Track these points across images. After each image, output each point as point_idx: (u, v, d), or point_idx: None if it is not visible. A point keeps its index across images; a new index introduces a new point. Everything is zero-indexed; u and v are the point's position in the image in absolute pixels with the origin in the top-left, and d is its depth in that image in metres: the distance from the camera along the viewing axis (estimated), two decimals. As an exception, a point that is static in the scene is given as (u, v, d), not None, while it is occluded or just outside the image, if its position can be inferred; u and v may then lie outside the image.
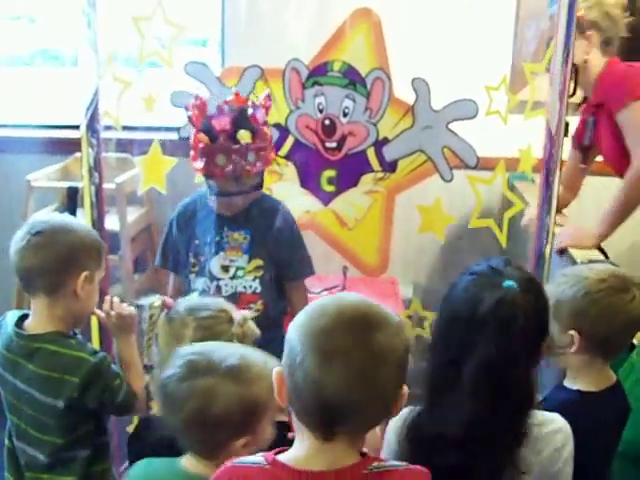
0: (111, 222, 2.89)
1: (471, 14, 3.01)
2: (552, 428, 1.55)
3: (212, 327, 1.72)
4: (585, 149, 2.82)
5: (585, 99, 2.75)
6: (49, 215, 1.88)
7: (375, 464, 1.26)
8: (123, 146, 2.81)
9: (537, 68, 2.30)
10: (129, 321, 1.92)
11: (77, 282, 1.79)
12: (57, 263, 1.79)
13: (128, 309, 1.93)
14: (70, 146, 3.26)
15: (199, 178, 2.51)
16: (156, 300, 1.75)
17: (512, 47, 3.24)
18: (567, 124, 2.26)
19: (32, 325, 1.84)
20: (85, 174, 2.37)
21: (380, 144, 2.56)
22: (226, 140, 2.18)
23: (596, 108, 2.68)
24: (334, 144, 2.58)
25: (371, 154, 2.57)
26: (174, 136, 2.59)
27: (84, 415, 1.83)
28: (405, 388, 1.28)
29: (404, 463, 1.32)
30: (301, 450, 1.26)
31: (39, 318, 1.84)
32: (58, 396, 1.77)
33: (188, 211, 2.40)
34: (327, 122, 2.56)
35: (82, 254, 1.81)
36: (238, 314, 1.77)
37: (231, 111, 2.21)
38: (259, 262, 2.34)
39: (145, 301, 1.77)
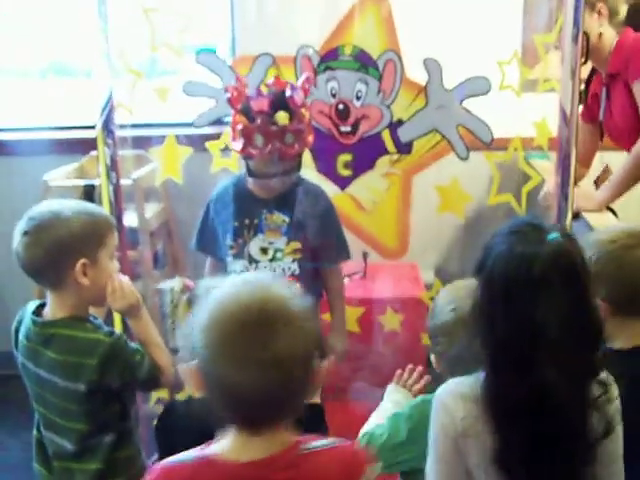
0: (129, 218, 2.90)
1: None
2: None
3: None
4: (600, 123, 2.80)
5: (592, 73, 2.74)
6: (39, 208, 1.83)
7: (304, 445, 1.27)
8: (138, 143, 2.82)
9: (548, 39, 2.30)
10: (133, 303, 1.88)
11: (76, 272, 1.78)
12: (47, 260, 1.77)
13: (130, 293, 1.88)
14: (84, 146, 3.27)
15: (215, 168, 2.54)
16: (177, 284, 1.74)
17: (522, 24, 3.23)
18: (580, 94, 2.25)
19: (48, 313, 1.85)
20: (103, 173, 2.37)
21: (395, 126, 2.55)
22: (264, 121, 2.19)
23: (610, 78, 2.66)
24: (349, 128, 2.57)
25: (386, 136, 2.57)
26: (188, 131, 2.59)
27: (107, 398, 1.82)
28: (321, 366, 1.27)
29: (333, 440, 1.32)
30: (228, 443, 1.25)
31: (54, 306, 1.85)
32: (78, 380, 1.77)
33: (226, 193, 2.40)
34: (341, 106, 2.55)
35: (71, 245, 1.78)
36: None
37: (269, 93, 2.24)
38: (297, 245, 2.36)
39: (166, 285, 1.76)
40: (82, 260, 1.78)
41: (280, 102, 2.21)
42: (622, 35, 2.61)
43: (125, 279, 1.89)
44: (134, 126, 2.47)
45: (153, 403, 2.56)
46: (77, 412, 1.82)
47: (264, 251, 2.36)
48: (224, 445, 1.26)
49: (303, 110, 2.27)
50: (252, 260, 2.36)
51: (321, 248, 2.41)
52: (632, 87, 2.53)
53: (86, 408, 1.81)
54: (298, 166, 2.32)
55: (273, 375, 1.17)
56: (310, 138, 2.31)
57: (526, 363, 1.39)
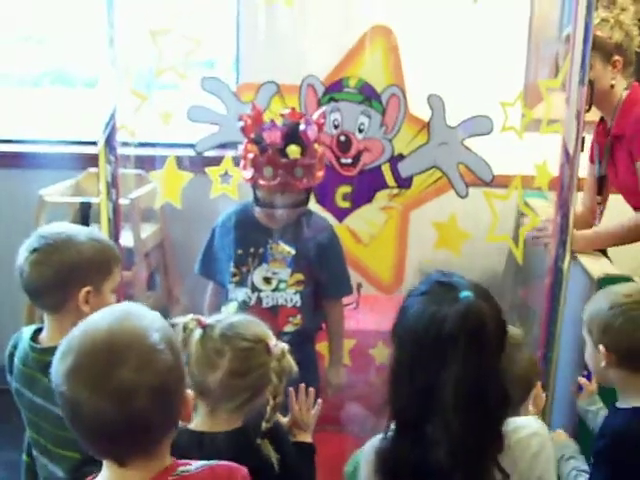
0: (125, 238, 2.89)
1: (485, 31, 3.02)
2: (526, 433, 1.48)
3: (249, 359, 1.67)
4: (600, 178, 2.77)
5: (602, 119, 2.73)
6: (51, 228, 1.82)
7: (180, 469, 1.26)
8: (139, 162, 2.81)
9: (552, 84, 2.31)
10: None
11: (79, 299, 1.76)
12: (55, 281, 1.75)
13: None
14: (83, 162, 3.27)
15: (214, 193, 2.53)
16: (190, 321, 1.72)
17: (525, 64, 3.25)
18: (583, 139, 2.26)
19: (46, 338, 1.82)
20: (103, 190, 2.37)
21: (395, 160, 2.56)
22: (275, 153, 2.20)
23: (615, 138, 2.65)
24: (349, 160, 2.58)
25: (386, 170, 2.57)
26: (190, 152, 2.59)
27: None
28: (188, 393, 1.29)
29: (211, 462, 1.31)
30: (103, 477, 1.26)
31: (52, 331, 1.81)
32: None
33: (232, 220, 2.40)
34: (342, 138, 2.56)
35: (81, 270, 1.77)
36: (276, 346, 1.71)
37: (283, 125, 2.24)
38: (300, 277, 2.36)
39: (180, 320, 1.74)
40: (87, 288, 1.77)
41: (293, 135, 2.22)
42: (630, 93, 2.61)
43: None
44: (137, 145, 2.47)
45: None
46: (71, 440, 1.77)
47: (267, 281, 2.36)
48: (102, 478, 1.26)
49: (316, 145, 2.28)
50: (255, 289, 2.35)
51: (324, 281, 2.41)
52: (635, 165, 2.53)
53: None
54: (306, 200, 2.34)
55: (113, 405, 1.16)
56: (320, 174, 2.32)
57: (419, 431, 1.38)
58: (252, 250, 2.35)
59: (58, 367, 1.21)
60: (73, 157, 3.37)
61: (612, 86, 2.58)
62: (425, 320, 1.38)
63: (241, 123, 2.28)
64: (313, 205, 2.56)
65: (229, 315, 1.77)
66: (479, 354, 1.35)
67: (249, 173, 2.26)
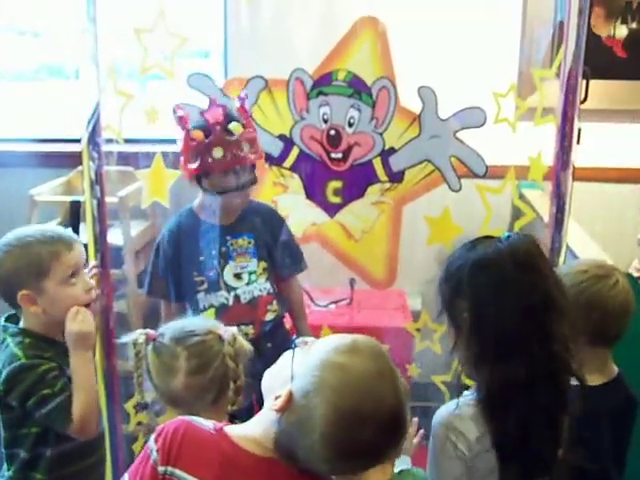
0: (115, 236, 2.85)
1: (477, 21, 2.98)
2: None
3: (204, 353, 1.69)
4: None
5: None
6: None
7: None
8: (125, 159, 2.77)
9: (546, 74, 2.25)
10: (85, 331, 1.90)
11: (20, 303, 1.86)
12: None
13: (89, 324, 1.91)
14: (73, 160, 3.21)
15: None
16: (139, 336, 1.72)
17: (519, 53, 3.21)
18: (579, 130, 2.22)
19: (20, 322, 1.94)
20: (86, 188, 2.34)
21: (386, 154, 2.52)
22: (221, 132, 2.19)
23: None
24: (340, 155, 2.53)
25: (377, 164, 2.53)
26: (177, 148, 2.54)
27: (16, 416, 1.86)
28: None
29: None
30: None
31: (24, 320, 1.94)
32: None
33: (180, 231, 2.38)
34: (332, 132, 2.51)
35: (12, 277, 1.86)
36: (226, 332, 1.73)
37: (220, 105, 2.25)
38: (264, 264, 2.37)
39: (127, 338, 1.74)
40: (22, 292, 1.85)
41: (232, 113, 2.24)
42: None
43: (87, 312, 1.92)
44: (123, 142, 2.43)
45: (134, 425, 2.51)
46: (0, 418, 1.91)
47: (238, 277, 2.35)
48: None
49: (250, 120, 2.29)
50: (229, 288, 2.34)
51: (281, 261, 2.42)
52: None
53: (3, 417, 1.89)
54: (254, 179, 2.31)
55: None
56: (261, 147, 2.32)
57: (525, 346, 1.48)
58: (214, 252, 2.33)
59: None
60: (64, 155, 3.33)
61: None
62: (494, 258, 1.53)
63: (180, 113, 2.25)
64: (303, 200, 2.53)
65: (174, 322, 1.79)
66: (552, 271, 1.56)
67: (195, 164, 2.22)
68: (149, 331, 1.74)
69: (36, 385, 1.82)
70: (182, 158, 2.27)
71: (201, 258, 2.33)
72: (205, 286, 2.34)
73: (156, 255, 2.41)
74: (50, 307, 1.87)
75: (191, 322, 1.78)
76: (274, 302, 2.40)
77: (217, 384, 1.68)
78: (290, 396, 1.29)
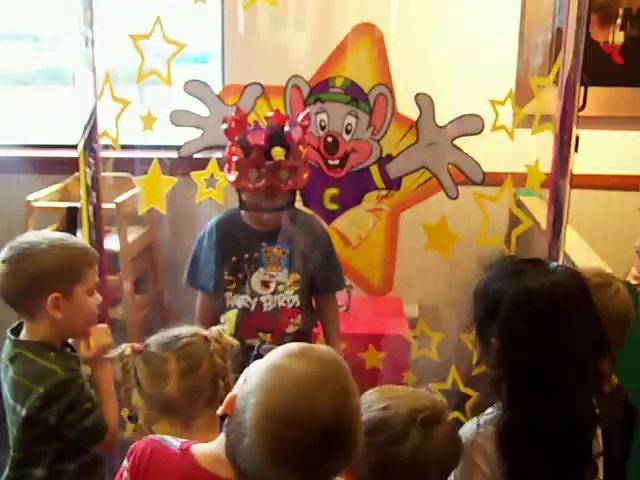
0: (111, 242, 2.85)
1: (474, 27, 2.97)
2: None
3: (193, 353, 1.69)
4: None
5: None
6: (22, 238, 1.88)
7: None
8: (122, 165, 2.77)
9: (544, 81, 2.26)
10: (106, 345, 1.93)
11: (47, 305, 1.82)
12: (19, 292, 1.83)
13: (106, 335, 1.94)
14: (70, 166, 3.21)
15: (200, 197, 2.48)
16: (125, 349, 1.73)
17: (516, 60, 3.20)
18: (577, 138, 2.21)
19: (23, 332, 1.89)
20: (83, 194, 2.34)
21: (384, 161, 2.51)
22: (259, 155, 2.17)
23: None
24: (337, 162, 2.52)
25: (375, 171, 2.52)
26: (174, 154, 2.54)
27: (43, 433, 1.82)
28: None
29: None
30: None
31: (28, 331, 1.89)
32: (23, 404, 1.78)
33: (221, 227, 2.37)
34: (329, 139, 2.51)
35: (45, 278, 1.82)
36: (210, 332, 1.74)
37: (268, 127, 2.23)
38: (297, 276, 2.35)
39: (114, 352, 1.75)
40: (54, 294, 1.81)
41: (277, 137, 2.18)
42: None
43: (103, 326, 1.95)
44: (120, 147, 2.42)
45: (130, 431, 2.51)
46: (15, 437, 1.85)
47: (266, 284, 2.34)
48: None
49: (300, 147, 2.24)
50: (254, 294, 2.34)
51: (319, 277, 2.40)
52: None
53: (21, 436, 1.83)
54: (292, 202, 2.30)
55: None
56: (305, 176, 2.28)
57: (555, 384, 1.46)
58: (247, 256, 2.33)
59: None
60: (60, 161, 3.33)
61: None
62: (534, 293, 1.48)
63: (225, 125, 2.24)
64: (300, 207, 2.52)
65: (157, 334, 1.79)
66: (590, 307, 1.51)
67: (233, 176, 2.23)
68: (134, 344, 1.75)
69: (77, 399, 1.81)
70: (226, 165, 2.28)
71: (234, 258, 2.32)
72: (233, 286, 2.33)
73: (198, 246, 2.41)
74: (70, 314, 1.85)
75: (174, 329, 1.77)
76: (299, 316, 2.37)
77: (209, 383, 1.68)
78: (233, 400, 1.25)
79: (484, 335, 1.57)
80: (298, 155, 2.22)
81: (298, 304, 2.36)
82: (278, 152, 2.17)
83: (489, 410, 1.59)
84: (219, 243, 2.36)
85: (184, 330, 1.75)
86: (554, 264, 1.54)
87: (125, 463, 1.38)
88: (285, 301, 2.35)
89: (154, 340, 1.74)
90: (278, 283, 2.34)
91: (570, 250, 2.42)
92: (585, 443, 1.51)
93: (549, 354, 1.45)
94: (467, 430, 1.57)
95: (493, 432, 1.52)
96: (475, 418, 1.59)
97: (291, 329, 2.36)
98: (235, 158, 2.21)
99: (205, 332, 1.74)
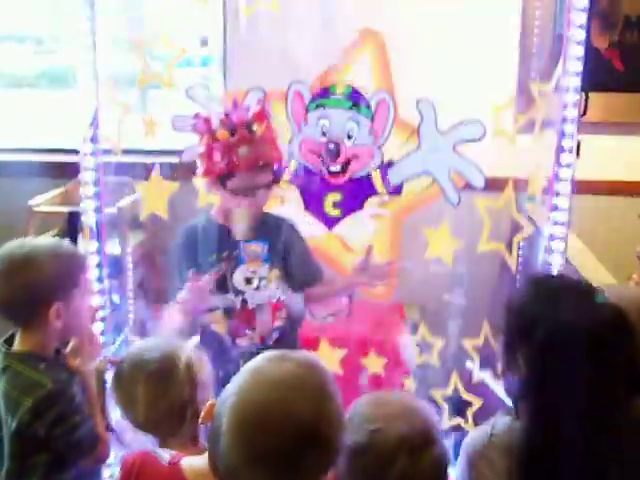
0: (112, 246, 2.84)
1: (476, 33, 2.97)
2: None
3: (162, 378, 1.72)
4: None
5: None
6: (13, 247, 1.84)
7: None
8: (123, 169, 2.77)
9: (545, 87, 2.26)
10: (95, 356, 1.93)
11: (49, 314, 1.80)
12: (19, 301, 1.80)
13: (93, 346, 1.94)
14: (72, 170, 3.21)
15: (202, 201, 2.48)
16: (102, 362, 1.75)
17: (518, 66, 3.20)
18: (579, 143, 2.21)
19: (15, 343, 1.86)
20: (84, 199, 2.33)
21: (385, 167, 2.51)
22: (245, 131, 2.19)
23: None
24: (338, 167, 2.52)
25: (376, 177, 2.53)
26: (175, 159, 2.54)
27: (34, 444, 1.79)
28: None
29: None
30: None
31: (19, 339, 1.86)
32: (13, 416, 1.76)
33: (196, 233, 2.35)
34: (331, 145, 2.51)
35: (47, 288, 1.80)
36: (183, 356, 1.75)
37: (241, 108, 2.26)
38: (277, 272, 2.36)
39: (90, 367, 1.77)
40: (57, 304, 1.80)
41: (253, 114, 2.23)
42: None
43: (93, 333, 1.98)
44: (121, 152, 2.42)
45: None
46: (9, 450, 1.82)
47: (248, 281, 2.34)
48: None
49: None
50: (237, 292, 2.33)
51: (299, 272, 2.41)
52: None
53: (12, 448, 1.80)
54: (277, 178, 2.32)
55: None
56: (281, 150, 2.32)
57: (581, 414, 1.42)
58: (225, 254, 2.32)
59: None
60: (62, 165, 3.32)
61: None
62: (579, 326, 1.44)
63: (194, 121, 2.24)
64: (302, 212, 2.52)
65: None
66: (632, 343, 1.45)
67: (221, 164, 2.21)
68: (111, 356, 1.77)
69: (66, 410, 1.78)
70: (203, 162, 2.25)
71: (212, 258, 2.32)
72: (211, 286, 2.31)
73: (176, 255, 2.39)
74: (68, 320, 1.83)
75: (150, 346, 1.80)
76: (284, 310, 2.40)
77: (178, 408, 1.69)
78: (211, 408, 1.26)
79: (511, 348, 1.55)
80: (272, 128, 2.27)
81: (282, 298, 2.39)
82: (258, 127, 2.21)
83: (499, 420, 1.57)
84: (195, 247, 2.34)
85: (159, 350, 1.76)
86: (602, 297, 1.47)
87: (117, 473, 1.40)
88: (269, 296, 2.36)
89: (129, 357, 1.76)
90: (261, 278, 2.34)
91: (572, 255, 2.42)
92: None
93: (580, 388, 1.42)
94: (476, 439, 1.56)
95: (503, 444, 1.50)
96: (485, 427, 1.58)
97: (279, 323, 2.39)
98: (219, 143, 2.20)
99: (180, 355, 1.74)
